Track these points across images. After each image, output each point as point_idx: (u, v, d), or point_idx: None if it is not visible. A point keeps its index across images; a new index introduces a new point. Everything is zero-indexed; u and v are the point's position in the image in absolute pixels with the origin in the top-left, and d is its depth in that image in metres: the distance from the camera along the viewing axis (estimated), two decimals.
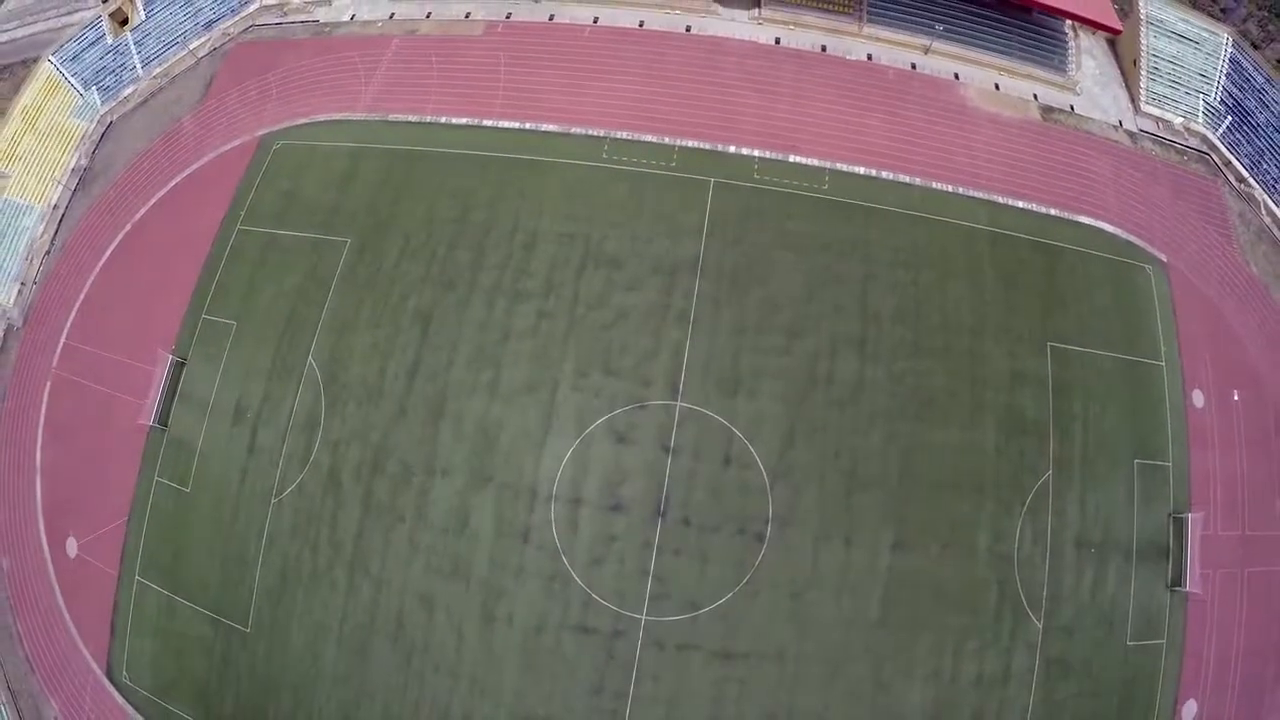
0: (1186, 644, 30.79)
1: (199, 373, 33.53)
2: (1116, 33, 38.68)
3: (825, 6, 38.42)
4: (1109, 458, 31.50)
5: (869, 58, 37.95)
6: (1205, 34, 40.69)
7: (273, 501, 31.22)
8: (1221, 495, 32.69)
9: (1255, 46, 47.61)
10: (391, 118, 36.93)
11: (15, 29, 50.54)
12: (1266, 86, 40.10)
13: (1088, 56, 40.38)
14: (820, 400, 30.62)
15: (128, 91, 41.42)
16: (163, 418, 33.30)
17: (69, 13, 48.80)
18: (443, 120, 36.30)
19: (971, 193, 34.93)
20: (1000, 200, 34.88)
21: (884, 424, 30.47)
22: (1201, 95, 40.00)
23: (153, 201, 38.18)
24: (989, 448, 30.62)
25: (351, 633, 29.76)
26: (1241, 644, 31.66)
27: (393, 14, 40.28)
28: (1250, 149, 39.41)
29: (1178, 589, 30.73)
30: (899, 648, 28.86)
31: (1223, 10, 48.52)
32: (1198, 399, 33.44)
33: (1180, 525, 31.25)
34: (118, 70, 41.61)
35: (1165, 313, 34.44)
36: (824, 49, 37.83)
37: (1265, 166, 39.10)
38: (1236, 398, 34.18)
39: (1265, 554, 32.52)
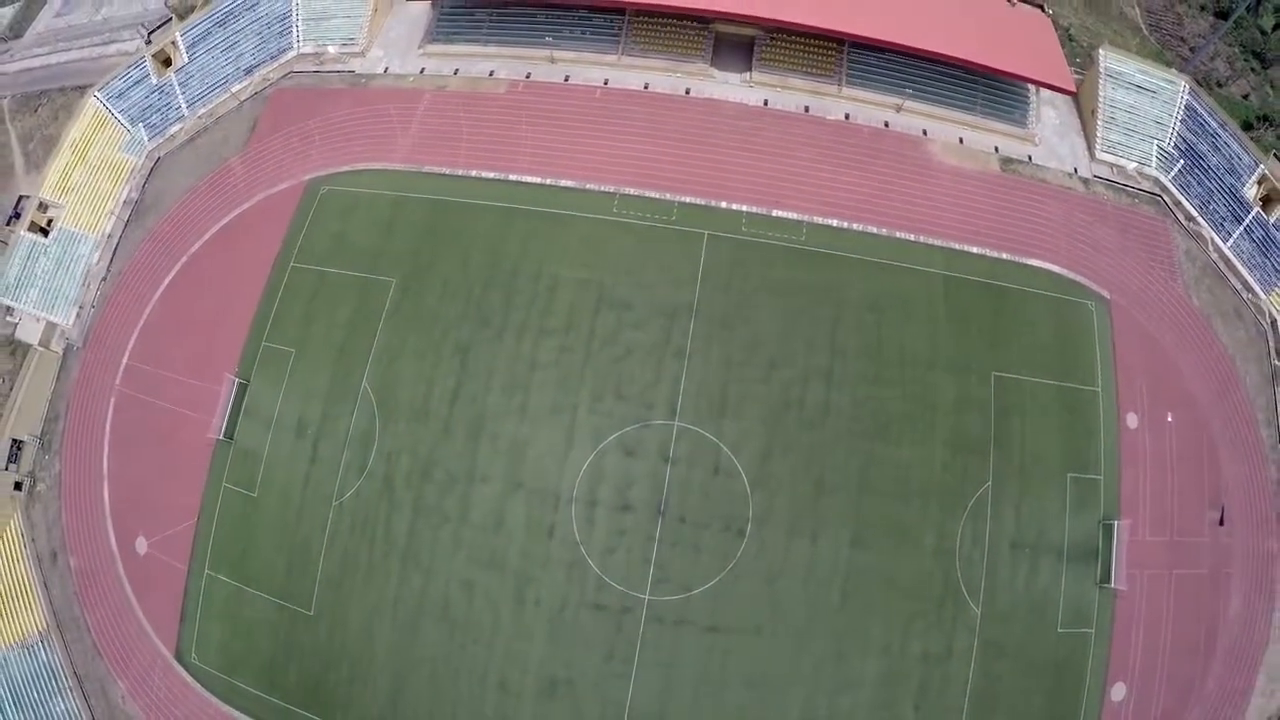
0: (1115, 634, 40.82)
1: (262, 393, 44.60)
2: (1071, 94, 49.10)
3: (809, 70, 49.46)
4: (1043, 471, 42.18)
5: (847, 116, 48.81)
6: (1163, 84, 50.01)
7: (333, 504, 42.38)
8: (1151, 505, 42.69)
9: (1219, 85, 58.75)
10: (426, 169, 47.99)
11: (48, 55, 60.04)
12: (1219, 131, 49.27)
13: (1049, 107, 50.90)
14: (794, 421, 41.99)
15: (174, 129, 51.56)
16: (229, 432, 44.23)
17: (105, 43, 58.55)
18: (473, 174, 47.54)
19: (931, 240, 45.78)
20: (956, 247, 45.72)
21: (847, 442, 41.79)
22: (1155, 141, 49.50)
23: (207, 236, 48.96)
24: (936, 462, 41.68)
25: (403, 614, 40.73)
26: (1169, 637, 41.42)
27: (423, 69, 51.22)
28: (1200, 190, 48.83)
29: (1106, 585, 40.84)
30: (856, 626, 39.85)
31: (1191, 49, 58.43)
32: (1131, 421, 43.90)
33: (1110, 530, 41.37)
34: (163, 109, 51.58)
35: (1104, 344, 44.95)
36: (807, 109, 48.98)
37: (1214, 206, 48.52)
38: (1170, 419, 44.32)
39: (1192, 558, 42.57)
